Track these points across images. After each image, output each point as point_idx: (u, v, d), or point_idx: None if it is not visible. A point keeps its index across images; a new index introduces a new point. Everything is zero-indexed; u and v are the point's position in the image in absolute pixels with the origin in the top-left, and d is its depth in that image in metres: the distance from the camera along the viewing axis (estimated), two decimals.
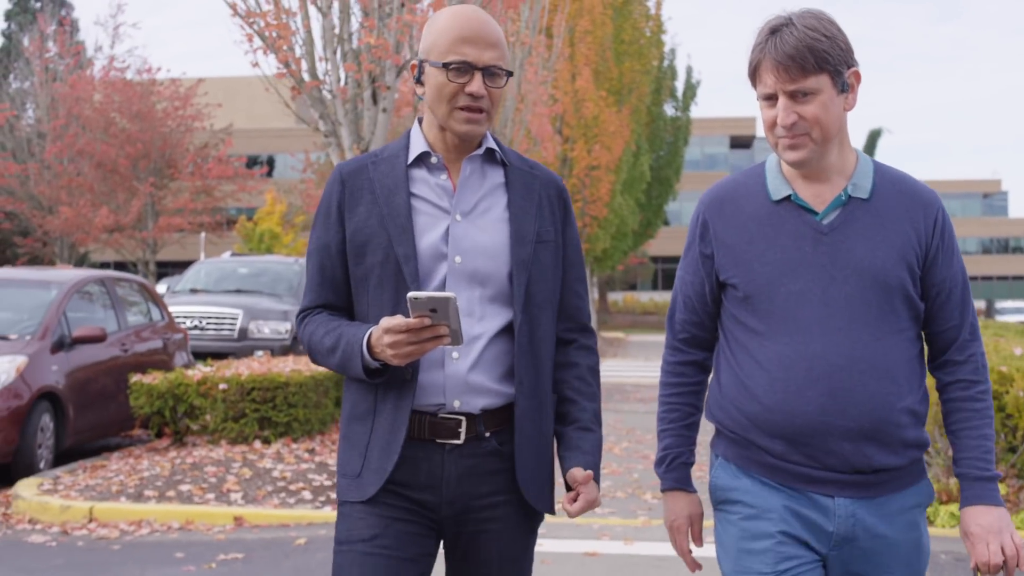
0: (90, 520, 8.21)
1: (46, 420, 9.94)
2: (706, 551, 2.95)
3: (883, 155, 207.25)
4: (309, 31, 11.03)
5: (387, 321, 2.66)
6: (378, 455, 2.81)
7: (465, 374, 2.83)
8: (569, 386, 3.03)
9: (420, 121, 2.97)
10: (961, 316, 2.89)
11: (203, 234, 39.26)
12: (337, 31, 10.96)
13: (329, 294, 2.93)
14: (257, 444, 10.06)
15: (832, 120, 2.76)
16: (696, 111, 46.82)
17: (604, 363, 27.08)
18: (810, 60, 2.69)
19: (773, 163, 2.94)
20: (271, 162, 64.57)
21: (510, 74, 2.92)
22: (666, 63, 41.91)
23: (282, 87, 11.71)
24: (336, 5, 10.95)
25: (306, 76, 11.04)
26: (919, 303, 2.85)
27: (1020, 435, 8.15)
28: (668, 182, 44.62)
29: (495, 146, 2.97)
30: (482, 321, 2.84)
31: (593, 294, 41.87)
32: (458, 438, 2.82)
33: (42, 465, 9.82)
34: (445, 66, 2.80)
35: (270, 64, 11.27)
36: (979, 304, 73.00)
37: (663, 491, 3.07)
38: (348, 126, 10.98)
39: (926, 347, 2.95)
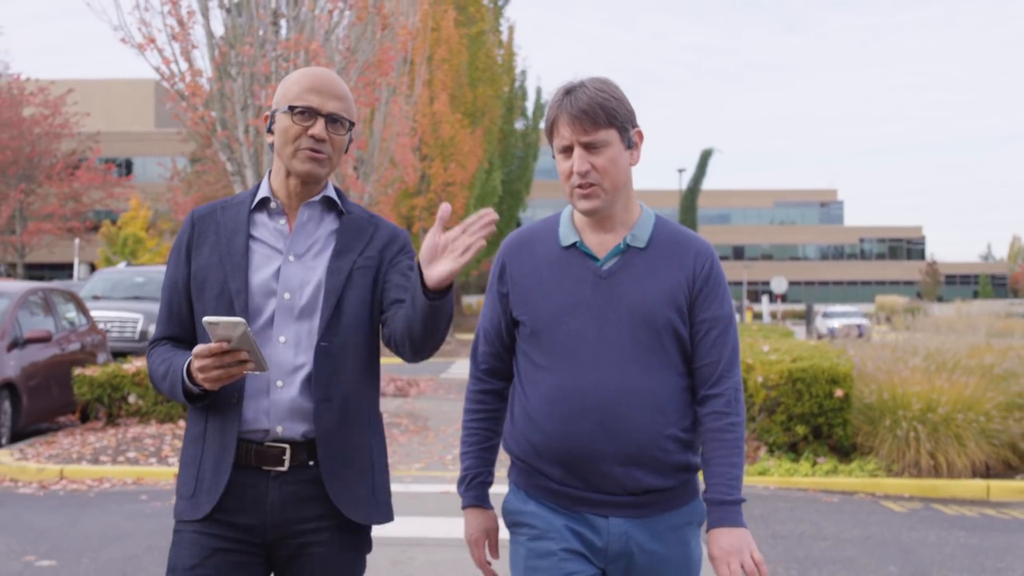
0: (61, 478, 10.67)
1: (6, 406, 12.29)
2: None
3: (727, 164, 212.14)
4: (222, 92, 13.60)
5: (197, 348, 2.77)
6: (210, 476, 2.92)
7: (288, 401, 2.93)
8: None
9: (270, 173, 3.14)
10: (719, 354, 3.02)
11: (77, 240, 40.44)
12: (246, 92, 13.55)
13: (175, 327, 3.07)
14: (182, 422, 12.64)
15: (620, 172, 2.98)
16: None
17: (457, 362, 29.85)
18: (601, 115, 2.92)
19: (567, 213, 3.13)
20: (129, 165, 64.56)
21: (352, 125, 3.08)
22: (517, 84, 44.87)
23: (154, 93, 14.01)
24: (244, 71, 13.53)
25: (219, 127, 13.61)
26: (688, 342, 3.03)
27: (756, 409, 11.22)
28: (518, 195, 47.56)
29: (334, 195, 3.11)
30: (308, 351, 2.96)
31: None
32: (283, 465, 2.92)
33: (3, 442, 12.15)
34: (291, 109, 2.96)
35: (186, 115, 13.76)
36: (799, 307, 77.19)
37: (463, 508, 3.24)
38: (252, 167, 13.59)
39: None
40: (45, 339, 13.01)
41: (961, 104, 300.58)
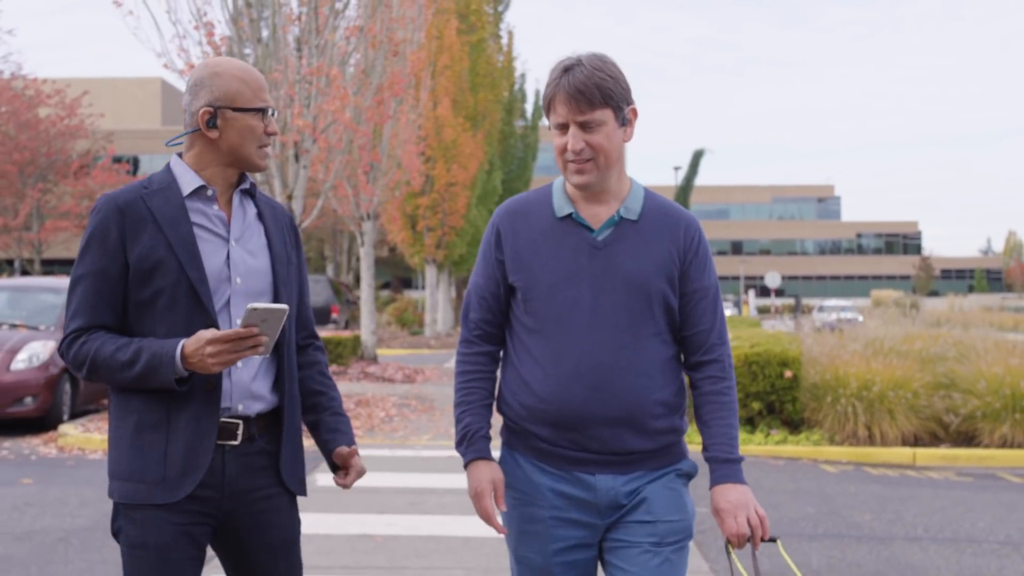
0: None
1: (67, 387, 14.05)
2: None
3: (726, 159, 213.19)
4: None
5: (210, 333, 2.83)
6: (182, 460, 2.93)
7: (249, 382, 3.04)
8: (315, 380, 3.31)
9: (180, 156, 3.09)
10: (711, 321, 3.13)
11: None
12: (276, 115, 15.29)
13: (106, 315, 2.99)
14: None
15: (613, 148, 3.02)
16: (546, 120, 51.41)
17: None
18: (596, 95, 2.96)
19: (559, 185, 3.17)
20: (135, 163, 65.29)
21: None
22: (516, 88, 46.43)
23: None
24: (273, 94, 15.26)
25: None
26: (677, 312, 3.12)
27: None
28: (518, 193, 48.92)
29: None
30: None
31: (451, 293, 46.12)
32: (236, 439, 3.01)
33: (64, 418, 13.89)
34: (259, 111, 3.03)
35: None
36: (787, 301, 78.49)
37: (467, 464, 3.21)
38: (279, 177, 15.37)
39: (683, 350, 3.20)
40: None
41: (962, 98, 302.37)
